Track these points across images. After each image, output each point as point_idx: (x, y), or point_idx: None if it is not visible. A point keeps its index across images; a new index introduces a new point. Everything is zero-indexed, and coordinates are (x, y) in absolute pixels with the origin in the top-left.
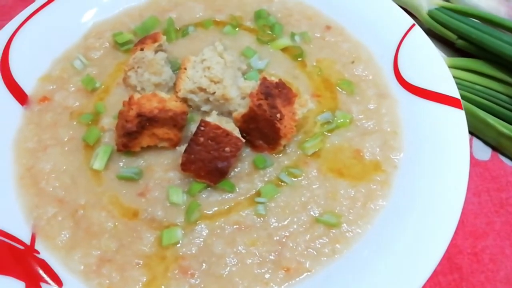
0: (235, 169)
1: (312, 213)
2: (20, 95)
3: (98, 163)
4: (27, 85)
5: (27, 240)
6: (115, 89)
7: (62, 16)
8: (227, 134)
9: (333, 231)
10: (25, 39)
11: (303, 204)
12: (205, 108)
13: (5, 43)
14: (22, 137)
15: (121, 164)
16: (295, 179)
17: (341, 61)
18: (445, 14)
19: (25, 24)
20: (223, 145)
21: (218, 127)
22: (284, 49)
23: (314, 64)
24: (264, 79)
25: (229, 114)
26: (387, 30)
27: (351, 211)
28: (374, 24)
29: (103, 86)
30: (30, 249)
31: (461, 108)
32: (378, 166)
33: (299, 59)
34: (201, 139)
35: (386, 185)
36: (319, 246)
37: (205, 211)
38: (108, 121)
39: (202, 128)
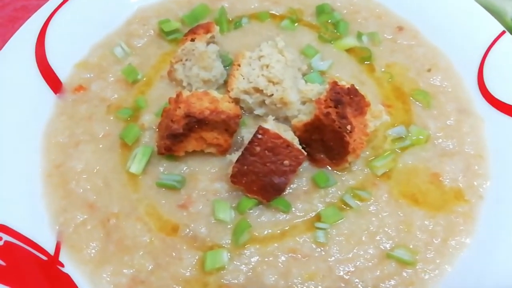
0: (291, 185)
1: (382, 246)
2: (54, 82)
3: (135, 166)
4: (62, 72)
5: (50, 249)
6: (158, 83)
7: None
8: (288, 145)
9: (407, 270)
10: (64, 21)
11: (371, 234)
12: (258, 111)
13: (42, 25)
14: (53, 130)
15: (161, 169)
16: (362, 203)
17: (415, 68)
18: None
19: (64, 5)
20: (281, 158)
21: (278, 136)
22: (349, 50)
23: (383, 69)
24: (335, 83)
25: (284, 120)
26: (470, 36)
27: (428, 247)
28: (454, 28)
29: (145, 78)
30: (54, 261)
31: None
32: (460, 194)
33: (366, 62)
34: (258, 148)
35: (470, 219)
36: (390, 287)
37: (255, 233)
38: (149, 119)
39: (260, 136)
